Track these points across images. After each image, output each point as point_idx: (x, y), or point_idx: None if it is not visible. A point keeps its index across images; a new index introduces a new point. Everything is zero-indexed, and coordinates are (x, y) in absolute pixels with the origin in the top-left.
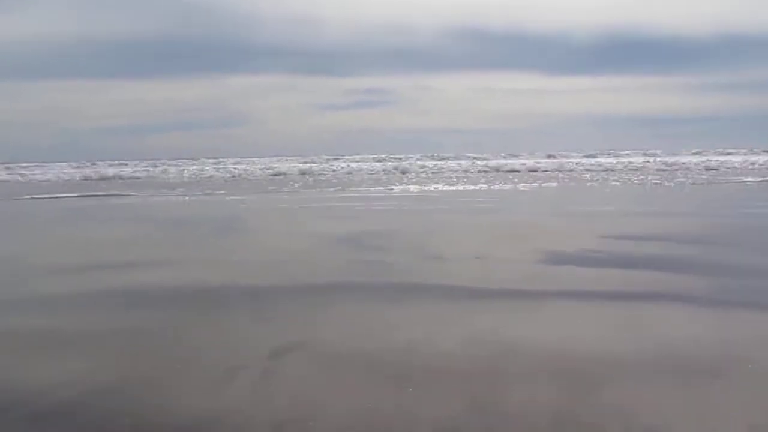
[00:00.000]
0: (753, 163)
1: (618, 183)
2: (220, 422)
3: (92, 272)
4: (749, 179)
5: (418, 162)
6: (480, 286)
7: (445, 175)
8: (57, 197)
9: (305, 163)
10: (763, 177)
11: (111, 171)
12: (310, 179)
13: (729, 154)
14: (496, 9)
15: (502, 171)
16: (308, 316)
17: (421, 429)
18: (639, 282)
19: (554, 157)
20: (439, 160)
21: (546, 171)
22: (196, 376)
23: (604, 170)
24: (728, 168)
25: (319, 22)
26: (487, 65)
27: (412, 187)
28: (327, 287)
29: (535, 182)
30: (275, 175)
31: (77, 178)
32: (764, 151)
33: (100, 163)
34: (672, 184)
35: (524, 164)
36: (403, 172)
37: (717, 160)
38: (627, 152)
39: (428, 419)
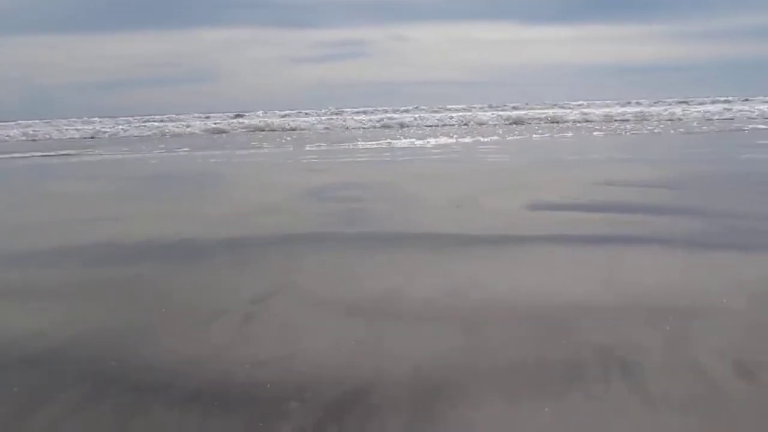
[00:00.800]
0: (739, 111)
1: (603, 132)
2: (206, 361)
3: (73, 226)
4: (747, 127)
5: (394, 114)
6: (462, 233)
7: (425, 127)
8: (27, 156)
9: (280, 117)
10: (749, 125)
11: (80, 128)
12: (285, 133)
13: (708, 102)
14: None
15: (483, 122)
16: (289, 264)
17: (402, 366)
18: (620, 226)
19: (534, 107)
20: (419, 113)
21: (528, 122)
22: (180, 321)
23: (587, 120)
24: (722, 119)
25: None
26: (464, 15)
27: (388, 141)
28: (307, 237)
29: (518, 133)
30: (250, 130)
31: (46, 137)
32: (745, 100)
33: (63, 120)
34: (653, 131)
35: (506, 115)
36: (379, 126)
37: (700, 110)
38: (608, 101)
39: (410, 357)
